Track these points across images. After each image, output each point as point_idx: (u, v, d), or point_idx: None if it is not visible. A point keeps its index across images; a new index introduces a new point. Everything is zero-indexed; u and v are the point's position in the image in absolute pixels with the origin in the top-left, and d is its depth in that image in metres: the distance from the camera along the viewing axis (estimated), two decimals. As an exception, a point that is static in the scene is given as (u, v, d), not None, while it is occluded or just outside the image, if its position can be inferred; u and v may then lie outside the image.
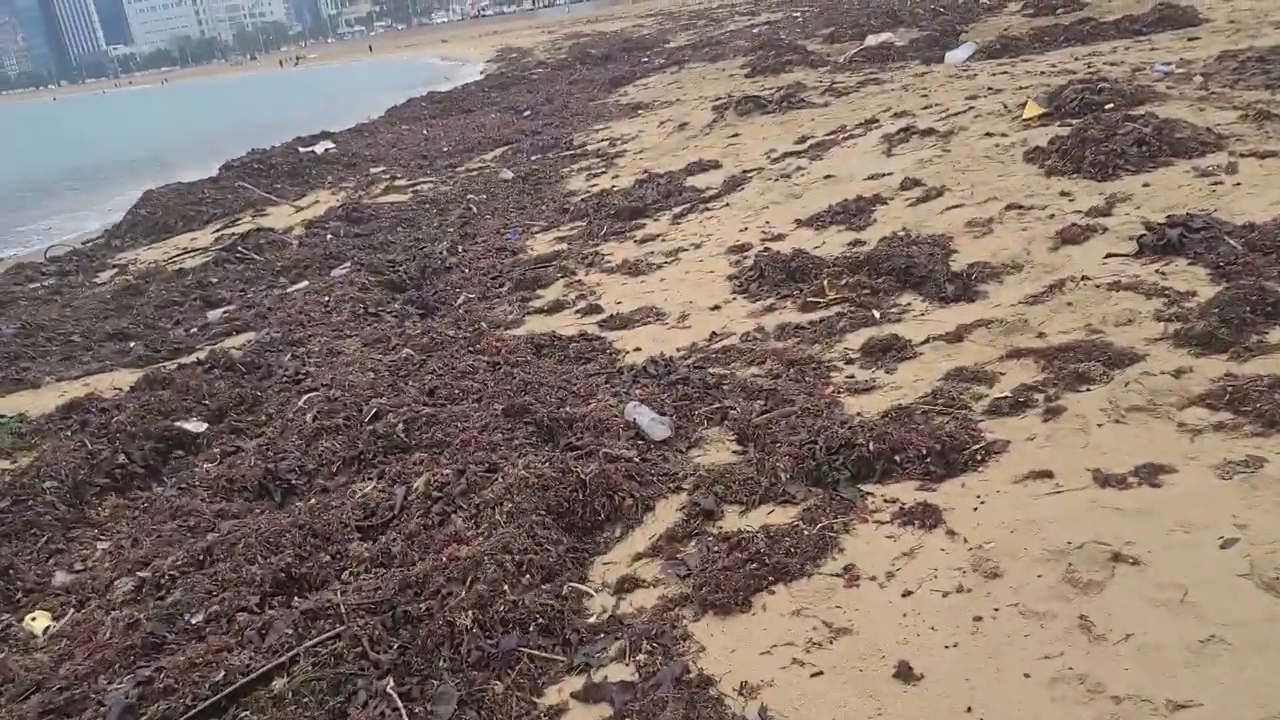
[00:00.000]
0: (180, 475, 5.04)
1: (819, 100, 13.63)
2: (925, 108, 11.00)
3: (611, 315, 6.53)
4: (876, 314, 5.50)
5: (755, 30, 33.92)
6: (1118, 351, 4.35)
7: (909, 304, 5.62)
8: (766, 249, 7.15)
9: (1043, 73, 11.77)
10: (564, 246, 8.79)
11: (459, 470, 4.17)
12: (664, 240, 8.25)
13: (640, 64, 29.31)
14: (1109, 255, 5.53)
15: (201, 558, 3.86)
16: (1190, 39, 12.45)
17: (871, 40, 18.92)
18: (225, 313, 8.16)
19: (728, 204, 8.89)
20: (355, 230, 11.07)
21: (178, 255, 11.96)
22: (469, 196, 12.09)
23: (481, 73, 42.83)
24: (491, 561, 3.34)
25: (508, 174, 12.86)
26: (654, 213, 9.23)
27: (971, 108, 10.19)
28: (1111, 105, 8.38)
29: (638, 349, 5.87)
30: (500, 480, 4.03)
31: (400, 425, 4.88)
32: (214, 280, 9.64)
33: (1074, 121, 8.30)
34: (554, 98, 23.29)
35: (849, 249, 6.76)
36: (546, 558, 3.50)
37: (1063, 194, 6.72)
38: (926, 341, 5.01)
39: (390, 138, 22.11)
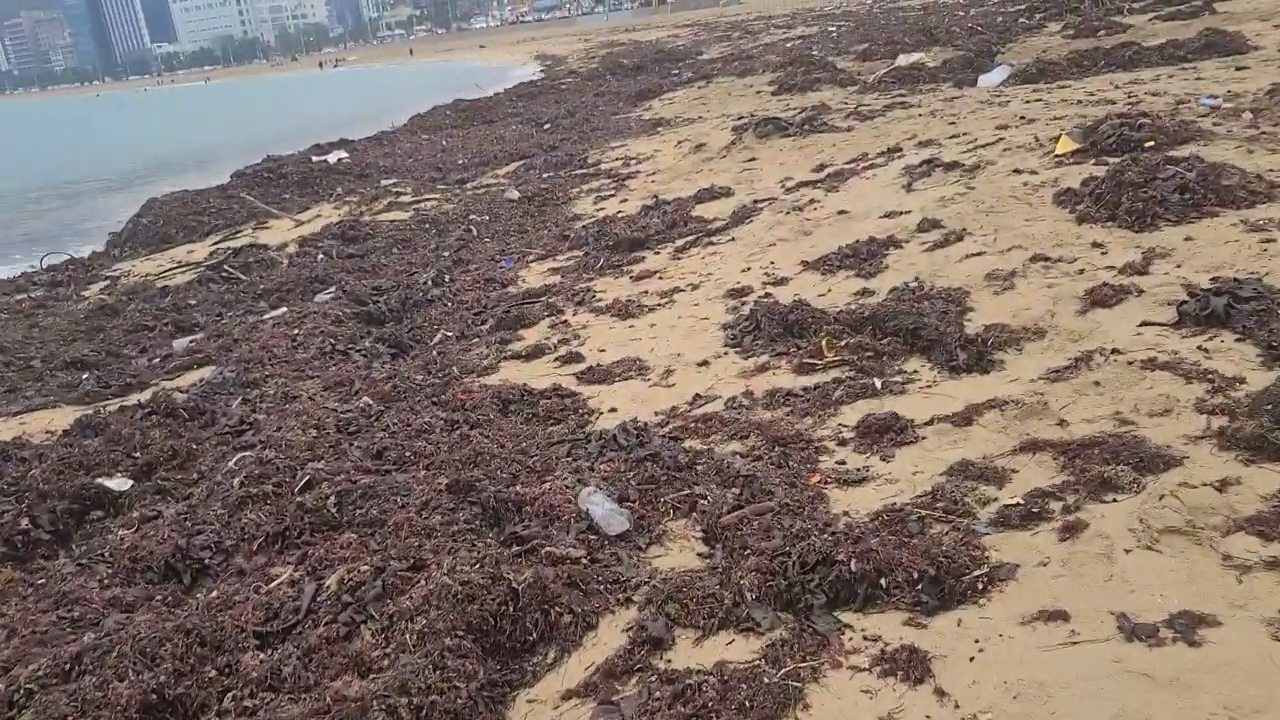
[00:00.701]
0: (90, 544, 4.53)
1: (842, 124, 13.02)
2: (952, 137, 10.35)
3: (592, 366, 5.97)
4: (878, 383, 4.89)
5: (788, 44, 33.34)
6: (1151, 452, 3.72)
7: (915, 372, 5.00)
8: (767, 295, 6.56)
9: (1079, 102, 11.09)
10: (557, 280, 8.25)
11: (378, 568, 3.62)
12: (661, 278, 7.68)
13: (670, 76, 28.82)
14: (1144, 324, 4.88)
15: (69, 667, 3.34)
16: (1238, 68, 11.70)
17: (903, 60, 18.27)
18: (192, 342, 7.70)
19: (733, 238, 8.31)
20: (349, 250, 10.60)
21: (169, 269, 11.56)
22: (471, 217, 11.60)
23: (514, 79, 42.50)
24: (381, 710, 2.78)
25: (514, 193, 12.35)
26: (655, 245, 8.67)
27: (1001, 139, 9.54)
28: (1152, 143, 7.71)
29: (613, 410, 5.31)
30: (422, 585, 3.47)
31: (333, 498, 4.34)
32: (192, 302, 9.19)
33: (1110, 160, 7.64)
34: (577, 110, 22.82)
35: (855, 299, 6.15)
36: (454, 699, 2.93)
37: (1095, 245, 6.07)
38: (931, 423, 4.39)
39: (409, 147, 21.73)
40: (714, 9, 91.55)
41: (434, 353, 6.72)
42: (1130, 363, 4.49)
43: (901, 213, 7.70)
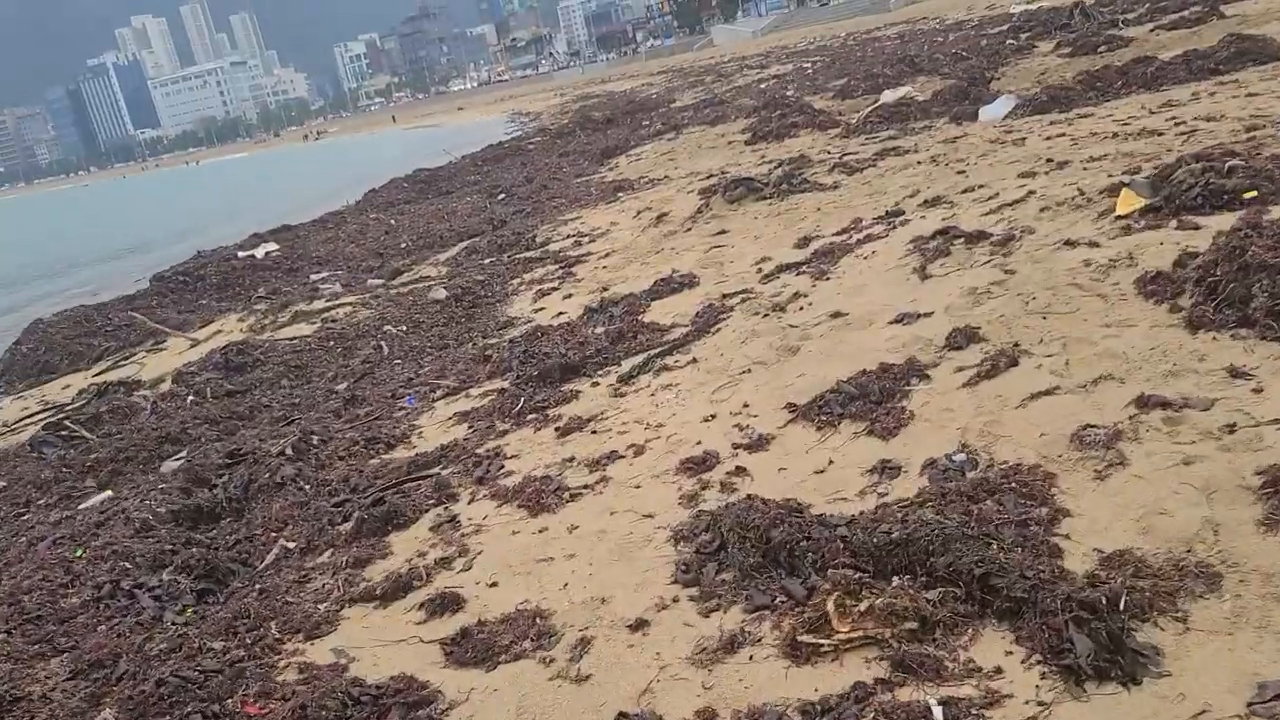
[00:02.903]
0: None
1: (827, 178, 10.99)
2: (965, 191, 8.28)
3: (468, 629, 3.78)
4: (933, 703, 2.71)
5: (762, 85, 31.63)
6: None
7: (998, 671, 2.82)
8: (738, 471, 4.42)
9: (1114, 135, 9.04)
10: (461, 433, 6.09)
11: None
12: (595, 429, 5.53)
13: (639, 129, 27.04)
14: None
15: None
16: (1294, 77, 9.70)
17: (888, 96, 16.30)
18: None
19: (695, 360, 6.16)
20: (228, 386, 8.47)
21: (19, 421, 9.43)
22: (386, 328, 9.49)
23: (485, 140, 40.86)
24: None
25: (441, 293, 10.27)
26: (595, 370, 6.53)
27: (1030, 192, 7.46)
28: (1255, 194, 5.63)
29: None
30: None
31: None
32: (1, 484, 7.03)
33: (1200, 220, 5.55)
34: (535, 175, 20.89)
35: (871, 484, 4.00)
36: None
37: (1232, 373, 3.94)
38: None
39: (354, 229, 19.77)
40: (688, 54, 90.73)
41: (257, 589, 4.55)
42: None
43: (919, 315, 5.58)
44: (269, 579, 4.68)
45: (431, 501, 5.11)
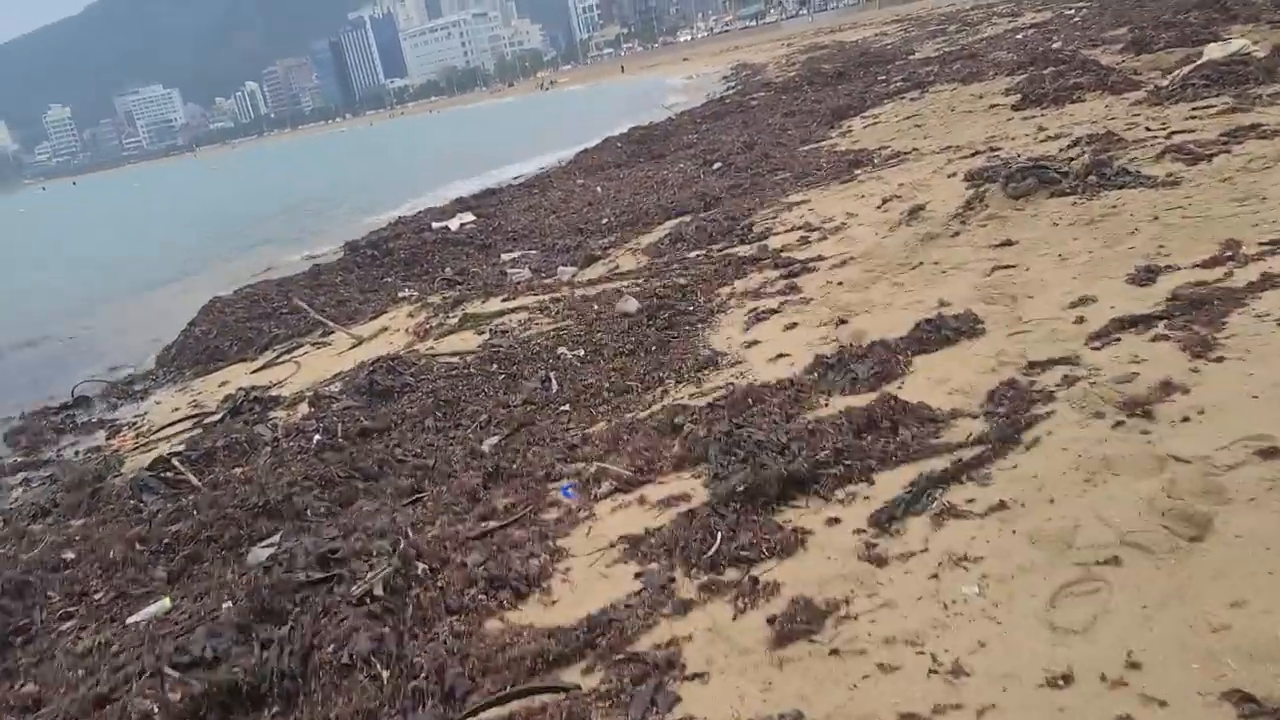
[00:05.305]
0: None
1: (1155, 169, 8.04)
2: None
3: None
4: None
5: (1019, 36, 27.36)
6: None
7: None
8: None
9: None
10: (626, 581, 4.01)
11: None
12: (838, 636, 3.30)
13: (875, 84, 23.94)
14: None
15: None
16: None
17: (1215, 51, 12.65)
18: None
19: (1003, 504, 3.75)
20: (363, 423, 6.85)
21: (160, 431, 8.32)
22: (560, 351, 7.60)
23: (706, 95, 38.69)
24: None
25: (631, 305, 8.25)
26: (830, 486, 4.27)
27: None
28: None
29: None
30: None
31: None
32: (69, 556, 5.67)
33: None
34: (756, 140, 18.46)
35: None
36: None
37: None
38: None
39: (558, 196, 18.25)
40: (924, 1, 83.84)
41: None
42: None
43: None
44: None
45: (554, 740, 3.09)
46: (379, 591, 4.07)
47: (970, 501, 3.83)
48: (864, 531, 3.86)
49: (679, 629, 3.57)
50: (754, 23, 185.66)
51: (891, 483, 4.18)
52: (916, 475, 4.13)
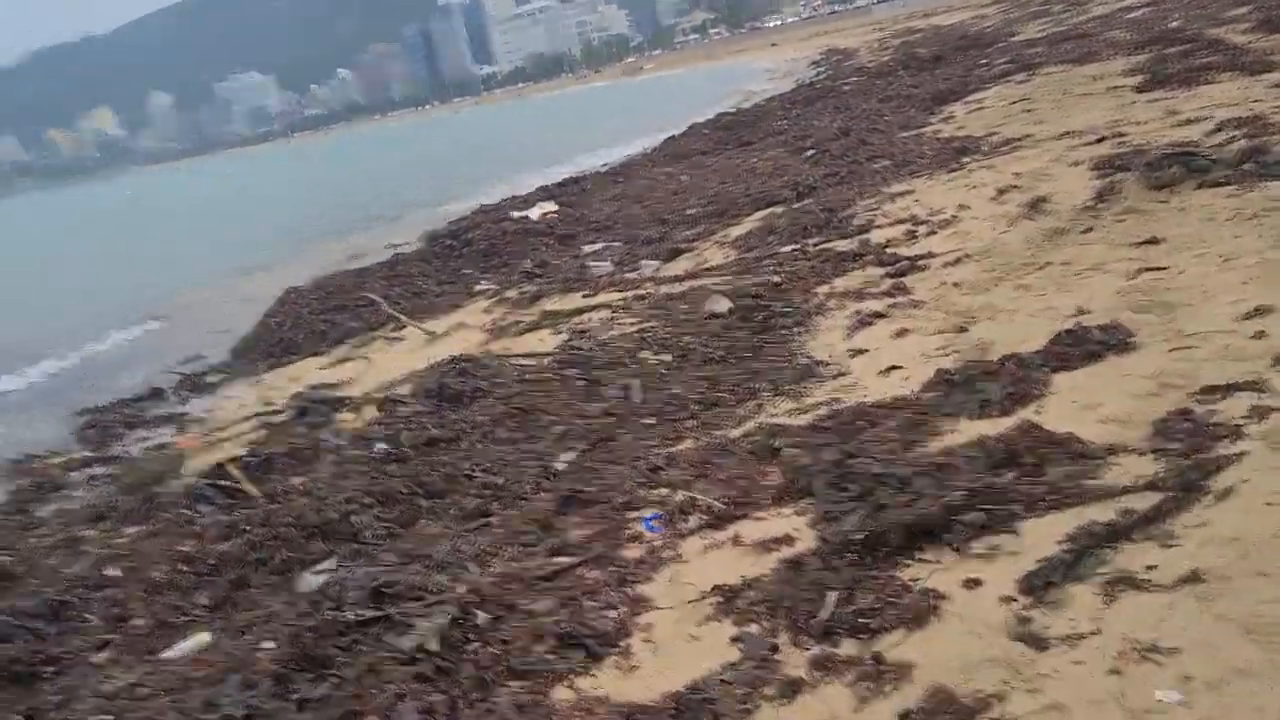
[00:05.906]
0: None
1: (1326, 156, 7.03)
2: None
3: None
4: None
5: (1132, 15, 25.62)
6: None
7: None
8: None
9: None
10: (721, 649, 3.38)
11: None
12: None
13: (976, 68, 22.67)
14: None
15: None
16: None
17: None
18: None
19: (1195, 574, 3.00)
20: (431, 431, 6.36)
21: (227, 429, 8.00)
22: (643, 354, 6.99)
23: (795, 81, 37.58)
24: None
25: (722, 304, 7.59)
26: (964, 535, 3.57)
27: None
28: None
29: None
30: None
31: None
32: (112, 574, 5.27)
33: None
34: (851, 126, 17.52)
35: None
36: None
37: None
38: None
39: (643, 185, 17.64)
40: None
41: None
42: None
43: None
44: None
45: None
46: (433, 646, 3.53)
47: (1151, 569, 3.09)
48: (1014, 600, 3.16)
49: (786, 718, 2.92)
50: (844, 7, 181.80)
51: (1041, 535, 3.46)
52: (1074, 527, 3.40)
